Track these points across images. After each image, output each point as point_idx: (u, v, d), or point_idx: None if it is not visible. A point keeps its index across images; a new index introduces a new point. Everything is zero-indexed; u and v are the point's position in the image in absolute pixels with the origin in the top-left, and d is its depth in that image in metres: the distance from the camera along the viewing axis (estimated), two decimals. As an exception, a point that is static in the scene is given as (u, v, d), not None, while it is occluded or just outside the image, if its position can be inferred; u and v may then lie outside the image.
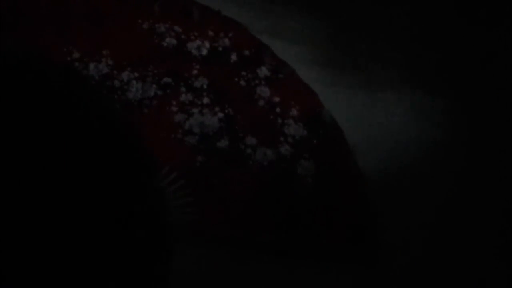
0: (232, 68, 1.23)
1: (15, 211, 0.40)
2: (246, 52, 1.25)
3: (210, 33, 1.26)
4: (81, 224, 0.43)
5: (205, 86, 1.20)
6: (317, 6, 1.34)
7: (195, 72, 1.21)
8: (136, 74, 1.19)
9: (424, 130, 1.23)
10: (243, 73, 1.22)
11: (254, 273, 1.04)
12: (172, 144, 1.14)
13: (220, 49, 1.25)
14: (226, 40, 1.26)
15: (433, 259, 1.09)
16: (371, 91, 1.26)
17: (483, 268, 1.08)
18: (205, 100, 1.18)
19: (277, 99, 1.20)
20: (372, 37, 1.32)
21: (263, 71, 1.23)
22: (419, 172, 1.18)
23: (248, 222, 1.09)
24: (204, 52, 1.24)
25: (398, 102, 1.25)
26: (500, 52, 1.31)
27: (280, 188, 1.12)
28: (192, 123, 1.16)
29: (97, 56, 1.20)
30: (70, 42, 1.20)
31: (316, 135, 1.18)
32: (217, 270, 1.04)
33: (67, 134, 0.43)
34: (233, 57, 1.24)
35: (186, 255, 1.04)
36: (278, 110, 1.19)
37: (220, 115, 1.17)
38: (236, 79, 1.22)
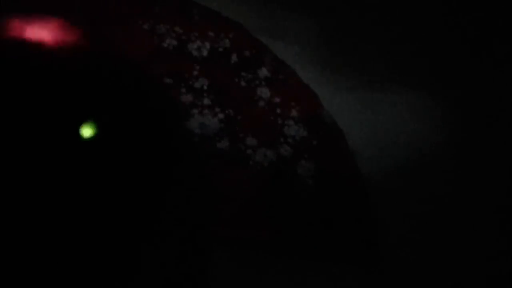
0: (233, 69, 1.23)
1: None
2: (247, 53, 1.25)
3: (211, 34, 1.26)
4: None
5: (205, 87, 1.20)
6: (317, 7, 1.34)
7: (195, 73, 1.21)
8: (136, 75, 1.19)
9: (424, 130, 1.23)
10: (244, 73, 1.23)
11: (254, 273, 1.05)
12: (173, 145, 1.14)
13: (220, 50, 1.25)
14: (227, 41, 1.26)
15: (433, 259, 1.09)
16: (371, 91, 1.26)
17: (484, 267, 1.08)
18: (206, 101, 1.18)
19: (277, 100, 1.20)
20: (372, 38, 1.32)
21: (263, 72, 1.23)
22: (419, 172, 1.18)
23: (248, 223, 1.09)
24: (205, 53, 1.24)
25: (398, 102, 1.26)
26: (499, 52, 1.31)
27: (280, 188, 1.12)
28: (192, 124, 1.16)
29: (97, 57, 1.20)
30: (71, 43, 1.20)
31: (316, 135, 1.18)
32: (217, 270, 1.04)
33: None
34: (234, 57, 1.24)
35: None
36: (278, 110, 1.19)
37: (221, 115, 1.17)
38: (236, 80, 1.22)
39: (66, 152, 0.63)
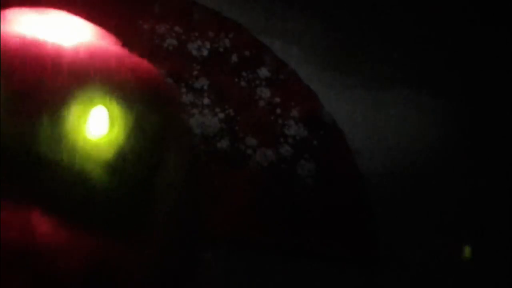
0: (233, 69, 1.23)
1: None
2: (247, 53, 1.25)
3: (211, 33, 1.26)
4: None
5: (205, 87, 1.20)
6: (317, 7, 1.34)
7: (195, 72, 1.21)
8: (136, 75, 1.19)
9: (424, 130, 1.23)
10: (244, 73, 1.23)
11: (254, 273, 1.05)
12: (173, 145, 1.14)
13: (220, 49, 1.25)
14: (227, 41, 1.26)
15: (433, 259, 1.09)
16: (371, 91, 1.26)
17: (484, 268, 1.08)
18: (206, 101, 1.18)
19: (277, 100, 1.20)
20: (372, 37, 1.32)
21: (264, 71, 1.23)
22: (419, 172, 1.18)
23: (248, 223, 1.09)
24: (205, 52, 1.24)
25: (398, 102, 1.25)
26: (501, 52, 1.31)
27: (280, 188, 1.12)
28: (192, 123, 1.16)
29: (97, 57, 1.20)
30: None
31: (316, 135, 1.18)
32: (216, 270, 1.04)
33: None
34: (234, 57, 1.24)
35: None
36: (278, 110, 1.19)
37: (221, 115, 1.17)
38: (236, 80, 1.22)
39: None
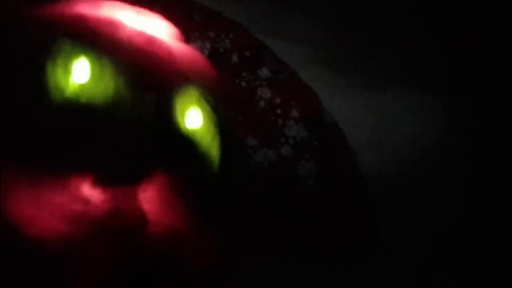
0: (233, 69, 1.23)
1: None
2: (247, 53, 1.25)
3: (211, 34, 1.26)
4: None
5: (205, 87, 1.20)
6: (317, 6, 1.34)
7: (195, 73, 1.21)
8: (137, 75, 1.19)
9: (425, 130, 1.23)
10: (244, 74, 1.23)
11: (253, 273, 1.05)
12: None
13: (221, 50, 1.25)
14: (227, 41, 1.26)
15: (433, 259, 1.09)
16: (372, 92, 1.26)
17: (484, 269, 1.08)
18: (206, 101, 1.18)
19: (278, 100, 1.21)
20: (372, 37, 1.32)
21: (264, 72, 1.23)
22: (420, 173, 1.18)
23: (248, 223, 1.09)
24: (205, 53, 1.24)
25: (399, 102, 1.26)
26: (501, 52, 1.31)
27: (280, 189, 1.12)
28: (193, 124, 1.16)
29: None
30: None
31: (316, 136, 1.18)
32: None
33: None
34: (234, 58, 1.24)
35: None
36: (278, 111, 1.19)
37: (221, 116, 1.17)
38: (237, 80, 1.22)
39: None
